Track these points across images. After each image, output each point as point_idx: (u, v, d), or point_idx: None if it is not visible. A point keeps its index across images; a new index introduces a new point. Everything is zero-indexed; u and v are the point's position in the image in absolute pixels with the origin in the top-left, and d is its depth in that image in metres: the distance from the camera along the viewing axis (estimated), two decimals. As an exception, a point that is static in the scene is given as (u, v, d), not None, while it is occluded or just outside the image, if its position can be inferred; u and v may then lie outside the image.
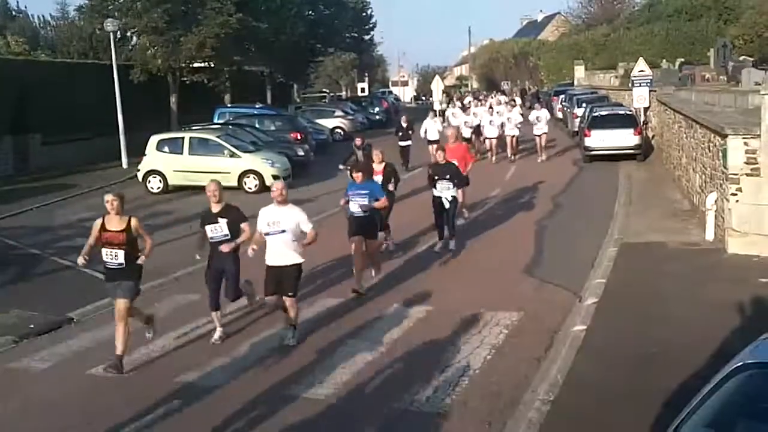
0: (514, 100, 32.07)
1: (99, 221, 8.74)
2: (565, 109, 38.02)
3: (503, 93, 46.04)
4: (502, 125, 26.19)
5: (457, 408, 7.20)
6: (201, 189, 22.39)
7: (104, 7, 34.02)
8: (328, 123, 37.72)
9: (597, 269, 11.76)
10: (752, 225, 11.76)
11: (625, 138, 23.73)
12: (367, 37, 64.07)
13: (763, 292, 9.77)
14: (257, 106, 35.84)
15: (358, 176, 11.38)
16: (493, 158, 26.06)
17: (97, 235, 8.60)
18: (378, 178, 12.68)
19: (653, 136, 26.29)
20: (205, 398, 7.66)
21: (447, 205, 13.06)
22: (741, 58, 33.87)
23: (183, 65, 35.46)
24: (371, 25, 63.26)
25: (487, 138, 26.45)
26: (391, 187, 13.15)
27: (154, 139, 23.56)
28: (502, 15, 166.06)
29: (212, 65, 36.82)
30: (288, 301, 9.16)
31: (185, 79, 36.09)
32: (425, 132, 25.10)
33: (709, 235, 13.02)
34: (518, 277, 11.87)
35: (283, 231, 9.01)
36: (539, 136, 25.86)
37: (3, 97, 27.09)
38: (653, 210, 16.13)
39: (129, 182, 24.99)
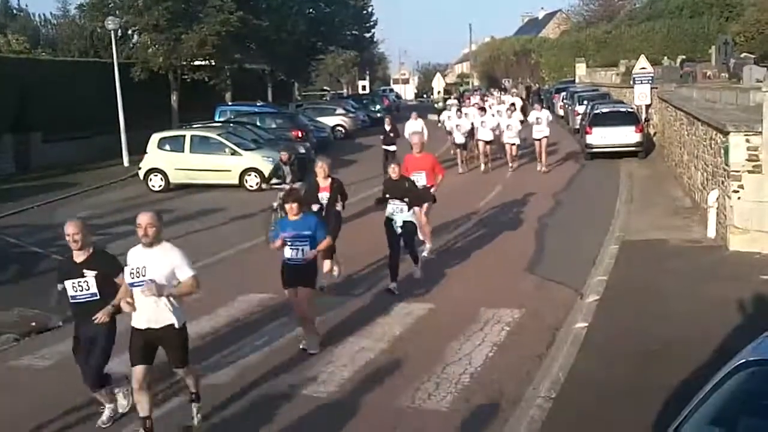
0: (514, 104, 29.63)
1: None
2: (566, 106, 38.00)
3: (504, 90, 44.99)
4: (499, 129, 23.73)
5: (459, 405, 7.20)
6: (203, 187, 22.74)
7: (105, 5, 34.03)
8: (330, 121, 37.72)
9: (598, 266, 11.75)
10: (754, 222, 11.75)
11: (626, 135, 23.70)
12: (368, 35, 63.96)
13: (765, 289, 9.76)
14: (258, 104, 35.91)
15: (292, 209, 8.70)
16: (482, 166, 23.53)
17: None
18: (323, 196, 11.15)
19: (655, 134, 26.27)
20: (206, 396, 7.65)
21: (398, 231, 10.94)
22: (742, 55, 33.87)
23: (184, 63, 35.46)
24: (372, 23, 63.16)
25: (479, 140, 23.86)
26: (339, 206, 11.46)
27: (155, 138, 23.57)
28: (503, 12, 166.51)
29: (213, 63, 36.83)
30: (180, 372, 7.05)
31: (186, 77, 36.09)
32: (408, 134, 23.15)
33: (711, 232, 13.00)
34: (520, 275, 11.86)
35: (152, 281, 6.43)
36: (539, 140, 22.93)
37: (4, 95, 27.10)
38: (655, 207, 16.12)
39: (130, 180, 25.03)
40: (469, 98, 38.89)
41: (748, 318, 8.66)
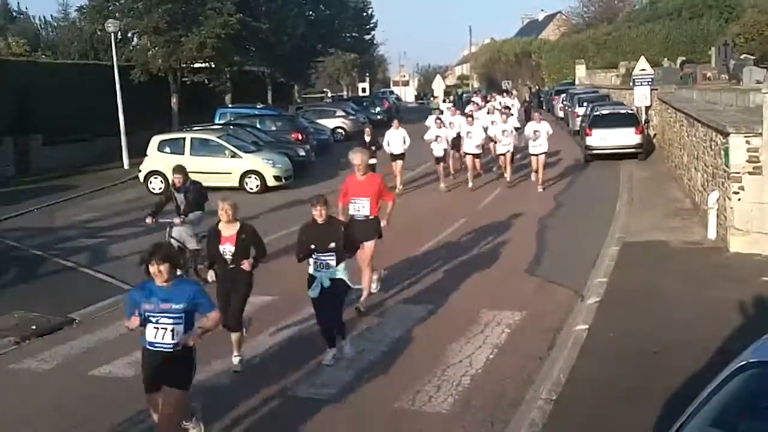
0: (509, 108, 27.57)
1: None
2: (566, 108, 38.00)
3: (506, 93, 44.03)
4: (490, 137, 21.87)
5: (459, 407, 7.20)
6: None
7: (105, 8, 34.04)
8: (330, 123, 37.70)
9: (599, 268, 11.76)
10: (754, 223, 11.75)
11: (626, 137, 23.72)
12: (368, 37, 63.99)
13: (765, 290, 9.76)
14: (258, 107, 35.85)
15: (159, 272, 5.97)
16: (469, 182, 20.80)
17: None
18: (227, 248, 8.27)
19: (655, 135, 26.28)
20: (208, 398, 7.65)
21: (326, 285, 8.30)
22: (742, 56, 33.87)
23: (184, 65, 35.46)
24: (372, 25, 63.20)
25: (466, 154, 21.13)
26: (246, 266, 8.21)
27: (155, 140, 23.56)
28: (503, 14, 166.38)
29: (213, 65, 36.81)
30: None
31: (186, 79, 36.10)
32: (388, 144, 20.53)
33: (711, 233, 13.00)
34: (520, 277, 11.87)
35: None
36: (537, 155, 20.04)
37: (4, 98, 27.11)
38: (655, 209, 16.12)
39: (130, 183, 25.03)
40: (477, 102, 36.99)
41: (748, 320, 8.67)
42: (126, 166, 28.13)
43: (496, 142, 21.73)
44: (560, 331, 9.18)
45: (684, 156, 18.03)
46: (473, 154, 20.93)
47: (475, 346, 8.77)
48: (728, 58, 32.74)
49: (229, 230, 8.43)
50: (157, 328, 6.00)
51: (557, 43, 69.50)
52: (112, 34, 29.84)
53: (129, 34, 37.70)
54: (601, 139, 23.95)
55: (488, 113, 25.62)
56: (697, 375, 6.81)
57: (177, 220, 12.27)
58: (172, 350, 6.00)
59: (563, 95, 41.35)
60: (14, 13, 56.36)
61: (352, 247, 8.85)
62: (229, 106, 36.72)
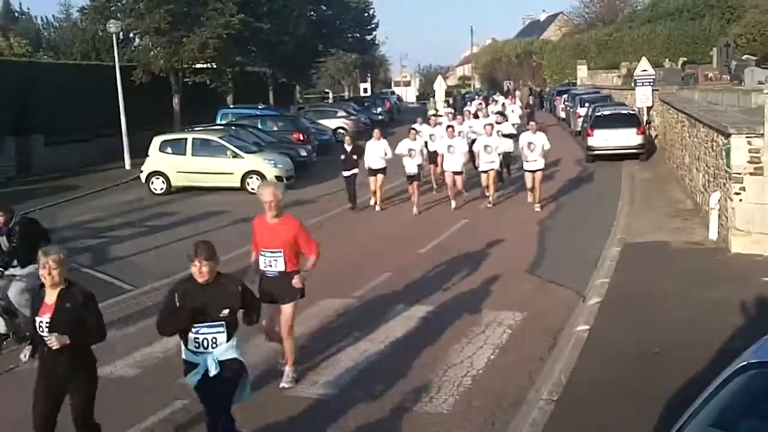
0: (503, 114, 24.96)
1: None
2: (567, 108, 38.01)
3: (508, 94, 43.22)
4: (471, 151, 18.89)
5: (460, 407, 7.20)
6: (204, 190, 22.71)
7: (107, 8, 34.08)
8: (331, 123, 37.72)
9: (600, 269, 11.76)
10: (756, 224, 11.75)
11: (628, 137, 23.73)
12: (369, 38, 64.06)
13: (767, 291, 9.76)
14: (260, 107, 35.91)
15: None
16: (452, 202, 17.93)
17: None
18: (43, 320, 5.85)
19: (656, 136, 26.28)
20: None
21: (213, 373, 5.95)
22: (744, 57, 33.90)
23: (185, 66, 35.50)
24: (374, 26, 63.27)
25: (446, 171, 18.05)
26: (54, 342, 5.73)
27: (156, 140, 23.59)
28: (505, 15, 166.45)
29: (215, 66, 36.88)
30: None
31: (188, 79, 36.13)
32: (367, 158, 18.10)
33: (713, 234, 13.00)
34: (521, 277, 11.87)
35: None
36: (533, 172, 17.25)
37: (6, 98, 27.14)
38: (656, 209, 16.12)
39: (132, 183, 25.05)
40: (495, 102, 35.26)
41: (749, 320, 8.67)
42: (127, 167, 28.17)
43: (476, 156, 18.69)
44: (561, 332, 9.18)
45: (685, 157, 18.02)
46: (454, 172, 17.78)
47: (477, 347, 8.77)
48: (730, 58, 32.80)
49: (51, 295, 5.88)
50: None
51: (559, 43, 69.55)
52: (114, 34, 29.90)
53: (131, 35, 37.76)
54: (603, 139, 23.96)
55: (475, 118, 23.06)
56: (698, 375, 6.81)
57: None
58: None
59: (565, 96, 41.36)
60: (16, 14, 56.44)
61: (256, 313, 6.51)
62: (231, 106, 36.78)
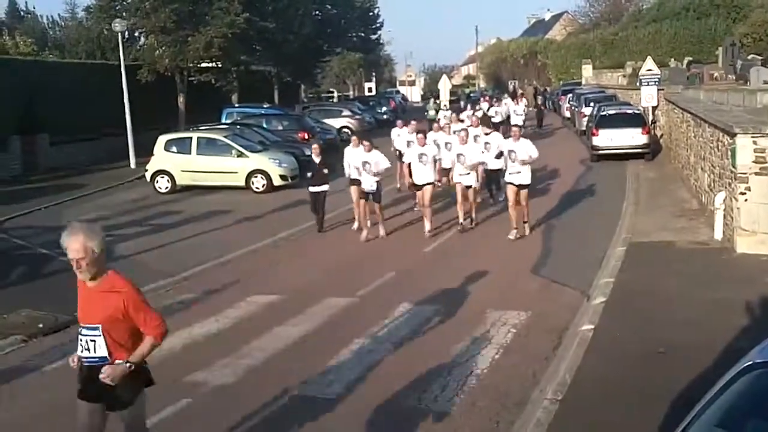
0: (488, 119, 23.09)
1: None
2: (572, 108, 37.98)
3: (516, 95, 41.73)
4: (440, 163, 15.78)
5: (465, 407, 7.20)
6: (209, 189, 22.76)
7: (112, 8, 34.20)
8: (336, 122, 37.75)
9: (605, 268, 11.74)
10: (761, 224, 11.72)
11: (633, 137, 23.70)
12: (374, 37, 64.05)
13: (772, 291, 9.73)
14: (265, 106, 35.97)
15: None
16: (427, 228, 14.97)
17: None
18: None
19: (661, 135, 26.23)
20: (214, 398, 7.68)
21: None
22: (749, 56, 33.82)
23: (190, 65, 35.60)
24: (378, 25, 63.26)
25: (414, 186, 15.45)
26: None
27: (162, 139, 23.64)
28: (510, 14, 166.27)
29: (220, 65, 36.95)
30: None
31: (193, 78, 36.22)
32: (348, 165, 15.77)
33: (718, 234, 12.98)
34: (526, 276, 11.86)
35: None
36: (516, 187, 14.30)
37: (11, 97, 27.24)
38: (661, 209, 16.09)
39: (137, 182, 25.10)
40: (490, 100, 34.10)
41: (754, 320, 8.65)
42: (133, 166, 28.24)
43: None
44: (566, 331, 9.17)
45: (691, 156, 17.99)
46: (424, 184, 15.08)
47: (481, 346, 8.77)
48: (735, 58, 32.72)
49: None
50: None
51: (564, 42, 69.47)
52: (119, 33, 29.97)
53: (136, 34, 37.89)
54: (608, 139, 23.93)
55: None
56: (703, 375, 6.80)
57: None
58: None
59: (570, 95, 41.30)
60: (22, 13, 56.58)
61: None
62: (236, 105, 36.83)
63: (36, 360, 9.15)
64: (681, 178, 19.65)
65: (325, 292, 11.35)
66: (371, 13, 61.18)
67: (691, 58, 41.68)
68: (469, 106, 30.40)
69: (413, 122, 20.07)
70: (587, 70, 55.07)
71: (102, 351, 5.13)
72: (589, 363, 7.86)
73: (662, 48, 47.51)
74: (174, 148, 23.39)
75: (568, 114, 40.05)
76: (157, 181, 23.29)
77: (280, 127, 30.04)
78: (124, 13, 33.55)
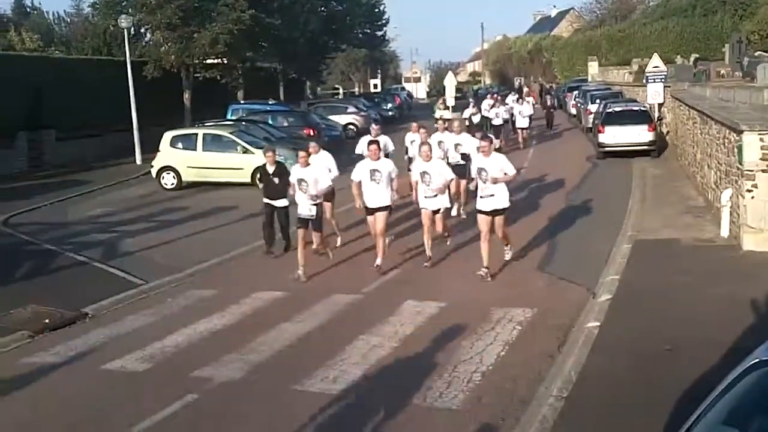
0: (470, 122, 21.48)
1: None
2: (578, 105, 37.90)
3: (522, 92, 39.98)
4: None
5: (470, 404, 7.20)
6: (215, 185, 22.78)
7: (118, 3, 34.27)
8: (341, 119, 37.71)
9: (611, 266, 11.71)
10: (767, 221, 11.69)
11: (639, 134, 23.62)
12: (380, 33, 64.04)
13: (779, 289, 9.70)
14: (270, 103, 35.98)
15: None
16: (378, 262, 12.17)
17: None
18: None
19: (667, 133, 26.17)
20: (219, 393, 7.70)
21: None
22: (756, 53, 33.67)
23: (196, 61, 35.63)
24: (384, 21, 63.25)
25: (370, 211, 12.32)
26: None
27: (167, 136, 23.66)
28: (515, 11, 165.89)
29: (225, 61, 36.99)
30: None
31: (198, 75, 36.26)
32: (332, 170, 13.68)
33: (724, 231, 12.94)
34: (531, 273, 11.84)
35: None
36: (488, 214, 11.54)
37: (18, 93, 27.29)
38: (667, 206, 16.06)
39: (143, 178, 25.15)
40: (498, 98, 30.91)
41: (761, 318, 8.62)
42: (138, 162, 28.30)
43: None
44: (571, 329, 9.16)
45: (697, 153, 17.94)
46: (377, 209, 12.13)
47: (486, 343, 8.76)
48: (742, 55, 32.57)
49: None
50: None
51: (570, 39, 69.28)
52: (125, 29, 30.01)
53: (142, 30, 37.91)
54: (614, 136, 23.86)
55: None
56: (709, 373, 6.78)
57: None
58: None
59: (576, 92, 41.20)
60: (28, 9, 56.68)
61: None
62: (242, 102, 36.88)
63: (42, 356, 9.18)
64: (687, 175, 19.60)
65: (329, 289, 11.35)
66: (377, 10, 61.22)
67: (697, 55, 41.51)
68: (471, 104, 27.94)
69: (446, 123, 17.21)
70: (593, 67, 54.90)
71: None
72: (594, 360, 7.86)
73: (669, 45, 47.32)
74: (180, 145, 23.41)
75: (573, 111, 39.96)
76: (162, 178, 23.31)
77: (286, 124, 30.03)
78: (130, 9, 33.56)
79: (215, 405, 7.42)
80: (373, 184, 12.03)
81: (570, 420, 6.63)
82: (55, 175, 25.96)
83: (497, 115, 28.30)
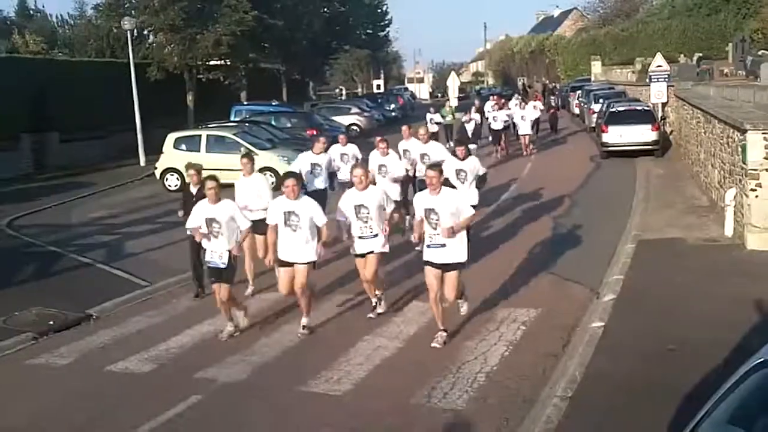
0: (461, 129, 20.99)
1: None
2: (581, 105, 37.86)
3: (525, 93, 38.43)
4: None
5: (474, 404, 7.20)
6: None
7: (121, 6, 34.34)
8: (344, 120, 37.73)
9: (614, 266, 11.70)
10: (772, 221, 11.67)
11: (642, 134, 23.59)
12: (382, 34, 64.03)
13: (783, 288, 9.69)
14: (273, 104, 36.02)
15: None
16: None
17: None
18: None
19: (671, 132, 26.13)
20: (224, 394, 7.71)
21: None
22: (760, 52, 33.65)
23: (199, 63, 35.71)
24: (387, 22, 63.24)
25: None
26: None
27: (171, 137, 23.69)
28: (518, 11, 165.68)
29: (228, 63, 37.04)
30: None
31: (202, 76, 36.32)
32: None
33: (728, 230, 12.92)
34: (535, 274, 11.82)
35: None
36: (438, 268, 8.78)
37: (22, 95, 27.36)
38: (671, 206, 16.03)
39: (147, 180, 25.17)
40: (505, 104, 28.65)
41: (765, 317, 8.60)
42: (142, 163, 28.34)
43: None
44: (576, 329, 9.15)
45: (701, 153, 17.92)
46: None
47: (491, 344, 8.76)
48: (746, 54, 32.53)
49: None
50: None
51: (573, 39, 69.26)
52: (128, 31, 30.05)
53: (145, 32, 37.99)
54: (618, 136, 23.83)
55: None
56: (714, 372, 6.77)
57: None
58: None
59: (579, 92, 41.17)
60: (31, 11, 56.73)
61: None
62: (245, 103, 36.91)
63: (46, 357, 9.20)
64: (691, 174, 19.57)
65: (333, 289, 11.35)
66: (379, 10, 61.22)
67: (701, 54, 41.46)
68: (474, 108, 27.17)
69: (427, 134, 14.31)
70: (596, 67, 54.86)
71: None
72: (598, 360, 7.85)
73: (672, 44, 47.31)
74: (183, 146, 23.43)
75: (577, 111, 39.95)
76: (166, 179, 23.34)
77: (289, 125, 30.08)
78: (132, 11, 33.65)
79: (220, 406, 7.43)
80: (288, 230, 9.18)
81: (574, 420, 6.62)
82: (58, 176, 26.00)
83: (495, 119, 26.25)
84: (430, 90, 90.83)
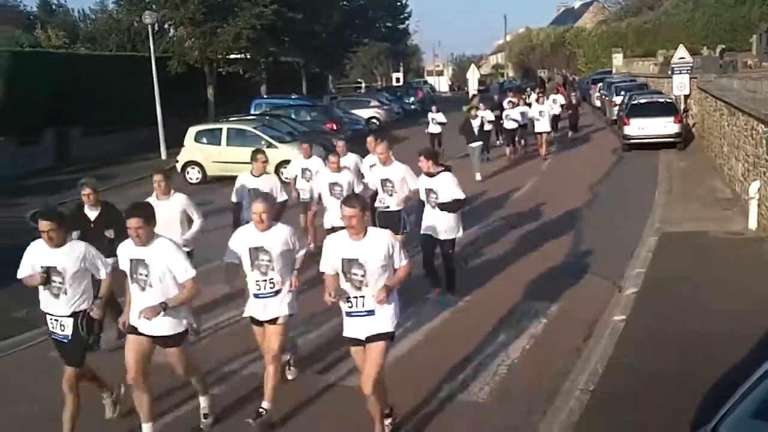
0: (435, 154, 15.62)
1: None
2: (603, 97, 37.63)
3: (543, 87, 37.31)
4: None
5: (496, 396, 7.19)
6: (238, 179, 22.70)
7: (142, 0, 34.45)
8: (364, 113, 37.74)
9: (637, 259, 11.64)
10: (796, 214, 11.55)
11: (665, 126, 23.41)
12: (401, 27, 63.85)
13: (808, 282, 9.59)
14: (293, 97, 36.09)
15: None
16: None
17: None
18: None
19: (694, 124, 25.91)
20: (238, 386, 7.74)
21: None
22: (784, 44, 33.21)
23: (220, 57, 35.80)
24: (406, 15, 63.03)
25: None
26: None
27: (192, 131, 23.81)
28: (538, 2, 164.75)
29: (248, 56, 37.12)
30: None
31: (222, 70, 36.42)
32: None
33: (752, 224, 12.81)
34: (557, 267, 11.77)
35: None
36: (362, 345, 6.23)
37: (44, 89, 27.56)
38: (694, 199, 15.91)
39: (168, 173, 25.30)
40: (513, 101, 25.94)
41: (790, 311, 8.52)
42: (163, 157, 28.49)
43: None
44: (597, 322, 9.11)
45: (724, 145, 17.75)
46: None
47: (511, 337, 8.74)
48: (770, 45, 32.14)
49: None
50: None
51: (594, 31, 68.79)
52: (149, 25, 30.17)
53: (165, 26, 38.11)
54: (639, 128, 23.67)
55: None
56: (738, 367, 6.72)
57: None
58: None
59: (600, 84, 40.93)
60: (53, 6, 57.13)
61: None
62: (265, 96, 37.01)
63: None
64: (714, 167, 19.40)
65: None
66: (399, 3, 60.98)
67: (724, 46, 41.02)
68: (483, 105, 25.09)
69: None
70: (618, 59, 54.43)
71: None
72: (620, 354, 7.81)
73: (695, 36, 46.79)
74: (204, 140, 23.56)
75: (598, 103, 39.72)
76: (187, 172, 23.47)
77: (309, 118, 30.13)
78: (153, 5, 33.77)
79: (234, 398, 7.46)
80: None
81: (596, 413, 6.60)
82: (81, 170, 26.13)
83: (506, 117, 24.19)
84: (450, 83, 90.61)
